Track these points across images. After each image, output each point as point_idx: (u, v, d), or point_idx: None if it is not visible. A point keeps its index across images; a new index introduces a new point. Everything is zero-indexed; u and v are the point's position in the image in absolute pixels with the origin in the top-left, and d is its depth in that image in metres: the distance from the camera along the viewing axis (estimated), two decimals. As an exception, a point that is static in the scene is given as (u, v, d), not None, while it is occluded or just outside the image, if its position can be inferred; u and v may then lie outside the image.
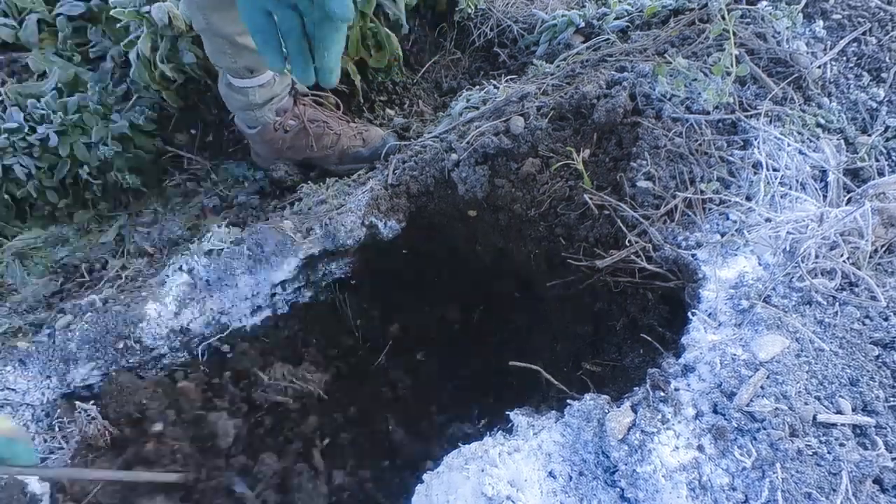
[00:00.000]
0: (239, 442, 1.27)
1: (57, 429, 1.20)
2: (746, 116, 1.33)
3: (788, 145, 1.26)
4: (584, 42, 1.90)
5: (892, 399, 0.93)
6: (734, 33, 1.38)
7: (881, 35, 1.51)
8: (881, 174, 1.27)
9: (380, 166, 1.65)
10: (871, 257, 1.08)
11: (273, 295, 1.43)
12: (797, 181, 1.23)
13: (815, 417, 0.89)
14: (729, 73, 1.33)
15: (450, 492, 0.94)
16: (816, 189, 1.23)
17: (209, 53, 1.57)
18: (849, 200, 1.20)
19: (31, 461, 0.95)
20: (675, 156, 1.30)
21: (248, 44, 1.50)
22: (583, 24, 1.99)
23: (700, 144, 1.31)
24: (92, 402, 1.19)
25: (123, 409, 1.20)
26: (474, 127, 1.55)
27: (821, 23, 1.52)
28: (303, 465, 1.28)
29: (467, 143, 1.48)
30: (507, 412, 1.05)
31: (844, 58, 1.48)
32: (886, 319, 1.01)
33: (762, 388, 0.91)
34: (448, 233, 1.61)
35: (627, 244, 1.25)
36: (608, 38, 1.81)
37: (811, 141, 1.31)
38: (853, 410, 0.90)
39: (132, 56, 1.79)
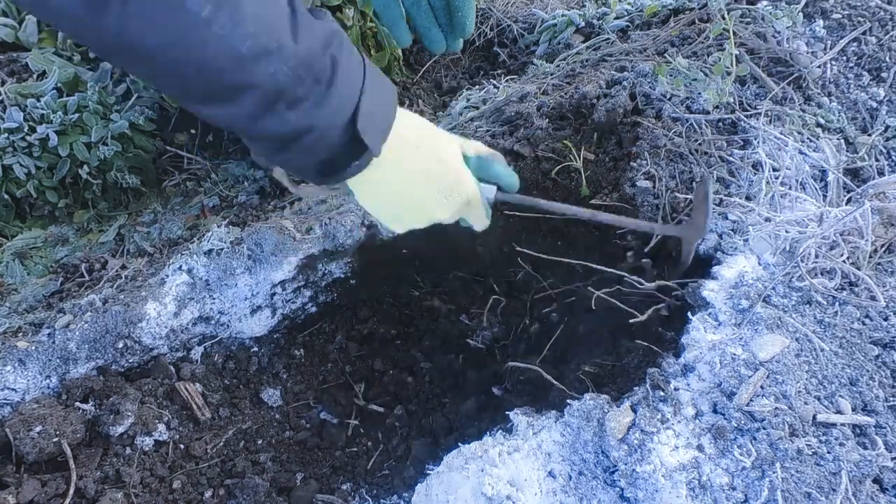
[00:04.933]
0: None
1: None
2: (746, 116, 1.33)
3: (788, 145, 1.26)
4: (584, 42, 1.90)
5: (891, 399, 0.93)
6: (734, 33, 1.38)
7: (881, 35, 1.51)
8: (881, 174, 1.27)
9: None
10: (870, 257, 1.08)
11: (273, 295, 1.43)
12: (797, 181, 1.23)
13: (814, 417, 0.89)
14: (729, 73, 1.33)
15: (450, 491, 0.94)
16: (816, 189, 1.23)
17: None
18: (849, 200, 1.20)
19: (514, 186, 0.97)
20: (675, 156, 1.30)
21: None
22: (583, 24, 1.99)
23: (700, 144, 1.31)
24: None
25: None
26: (475, 126, 1.56)
27: (821, 22, 1.52)
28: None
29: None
30: (507, 412, 1.05)
31: (844, 57, 1.48)
32: (886, 319, 1.01)
33: (762, 387, 0.91)
34: (449, 232, 1.61)
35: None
36: (608, 38, 1.81)
37: (811, 141, 1.31)
38: (853, 410, 0.90)
39: (132, 56, 1.79)
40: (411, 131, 0.83)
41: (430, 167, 0.86)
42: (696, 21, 1.63)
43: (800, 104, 1.37)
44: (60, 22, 0.62)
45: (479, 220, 0.98)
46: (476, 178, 0.93)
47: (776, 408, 0.88)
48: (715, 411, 0.92)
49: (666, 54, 1.53)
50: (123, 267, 1.55)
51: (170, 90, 0.68)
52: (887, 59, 1.48)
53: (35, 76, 1.85)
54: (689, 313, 1.06)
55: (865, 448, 0.87)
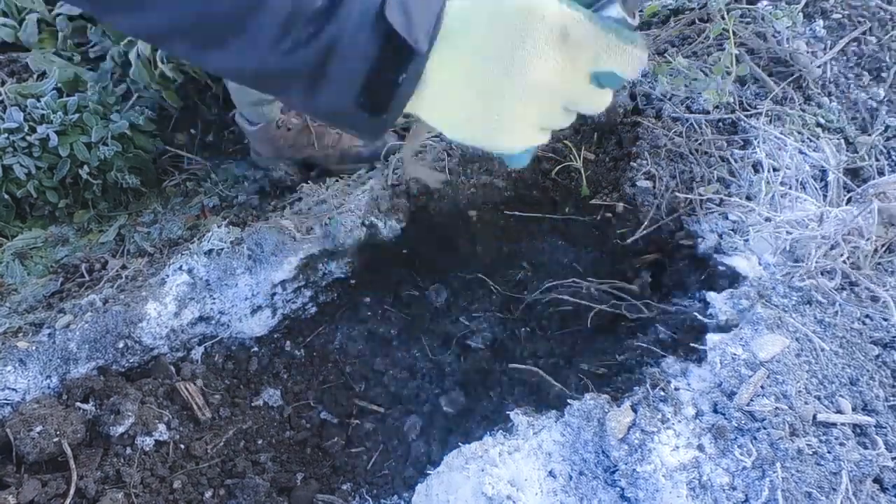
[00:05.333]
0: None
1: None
2: (746, 116, 1.33)
3: (788, 145, 1.27)
4: (584, 42, 1.90)
5: (892, 399, 0.93)
6: (734, 33, 1.38)
7: (881, 34, 1.51)
8: (881, 174, 1.27)
9: (380, 166, 1.64)
10: (870, 257, 1.08)
11: (273, 295, 1.43)
12: (797, 181, 1.23)
13: (815, 417, 0.89)
14: (729, 73, 1.33)
15: (450, 491, 0.94)
16: (816, 189, 1.23)
17: None
18: (849, 200, 1.20)
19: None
20: (675, 155, 1.30)
21: None
22: (583, 24, 1.99)
23: (700, 144, 1.31)
24: None
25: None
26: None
27: (821, 22, 1.52)
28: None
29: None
30: (507, 412, 1.05)
31: (844, 57, 1.48)
32: (886, 319, 1.01)
33: (762, 387, 0.91)
34: (448, 232, 1.61)
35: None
36: (608, 38, 1.81)
37: (811, 140, 1.31)
38: (853, 410, 0.90)
39: (132, 56, 1.79)
40: None
41: (516, 40, 0.56)
42: (696, 21, 1.63)
43: (800, 104, 1.37)
44: None
45: (633, 63, 0.59)
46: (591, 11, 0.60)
47: (776, 407, 0.88)
48: (715, 411, 0.92)
49: (666, 54, 1.53)
50: (123, 267, 1.55)
51: (174, 44, 0.56)
52: (887, 59, 1.48)
53: (35, 76, 1.85)
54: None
55: (866, 448, 0.87)
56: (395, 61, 0.55)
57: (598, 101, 0.62)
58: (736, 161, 1.27)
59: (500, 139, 0.61)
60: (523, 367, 1.13)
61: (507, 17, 0.56)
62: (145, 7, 0.52)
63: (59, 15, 1.89)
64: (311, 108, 0.60)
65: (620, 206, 1.32)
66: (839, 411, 0.90)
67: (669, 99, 1.40)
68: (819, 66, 1.43)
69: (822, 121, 1.35)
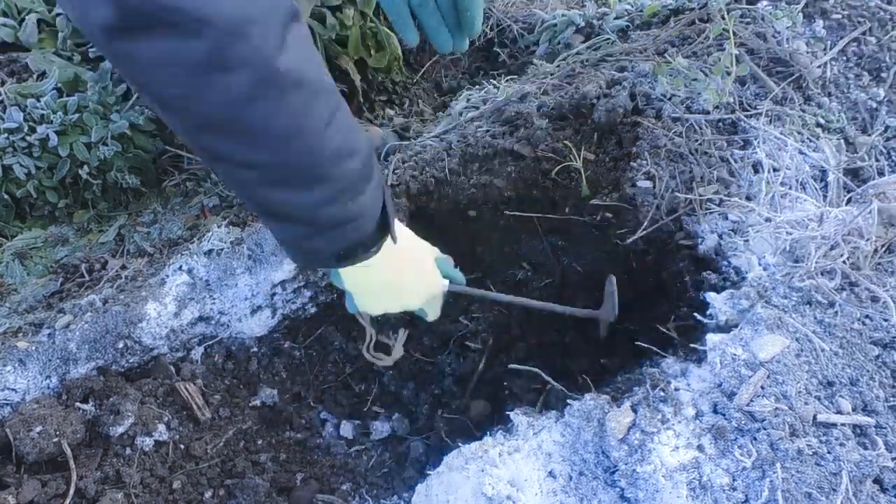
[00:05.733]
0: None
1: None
2: (746, 116, 1.33)
3: (788, 145, 1.27)
4: (584, 42, 1.90)
5: (892, 399, 0.93)
6: (734, 33, 1.38)
7: (881, 35, 1.51)
8: (881, 174, 1.27)
9: (380, 166, 1.64)
10: (870, 257, 1.08)
11: (273, 295, 1.43)
12: (797, 181, 1.23)
13: (815, 417, 0.89)
14: (729, 73, 1.33)
15: (450, 492, 0.94)
16: (816, 189, 1.23)
17: None
18: (849, 200, 1.20)
19: (463, 281, 1.19)
20: (675, 156, 1.30)
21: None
22: (583, 24, 1.99)
23: (700, 144, 1.31)
24: None
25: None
26: (475, 126, 1.56)
27: (821, 22, 1.52)
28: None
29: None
30: (507, 412, 1.05)
31: (844, 57, 1.48)
32: (886, 319, 1.01)
33: (762, 387, 0.91)
34: (448, 232, 1.61)
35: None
36: (608, 38, 1.81)
37: (811, 141, 1.31)
38: (853, 410, 0.90)
39: (132, 56, 1.79)
40: (402, 232, 0.99)
41: (415, 265, 1.04)
42: (696, 21, 1.63)
43: (800, 104, 1.37)
44: (212, 109, 0.67)
45: (435, 313, 1.17)
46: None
47: (776, 408, 0.88)
48: (715, 411, 0.92)
49: (666, 54, 1.53)
50: (123, 267, 1.55)
51: (252, 171, 0.74)
52: (887, 59, 1.48)
53: (35, 76, 1.85)
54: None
55: (866, 448, 0.87)
56: (374, 241, 0.90)
57: (430, 312, 1.16)
58: (736, 161, 1.27)
59: (374, 307, 1.08)
60: (522, 368, 1.13)
61: (414, 254, 1.05)
62: (260, 145, 0.70)
63: (59, 15, 1.88)
64: (301, 245, 0.87)
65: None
66: (839, 411, 0.90)
67: (669, 99, 1.40)
68: (819, 66, 1.43)
69: (822, 121, 1.35)
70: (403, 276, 1.02)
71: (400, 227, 1.00)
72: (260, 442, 1.34)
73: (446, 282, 1.15)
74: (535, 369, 1.17)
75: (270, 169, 0.73)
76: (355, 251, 0.88)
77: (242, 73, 0.63)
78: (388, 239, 0.93)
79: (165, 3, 0.57)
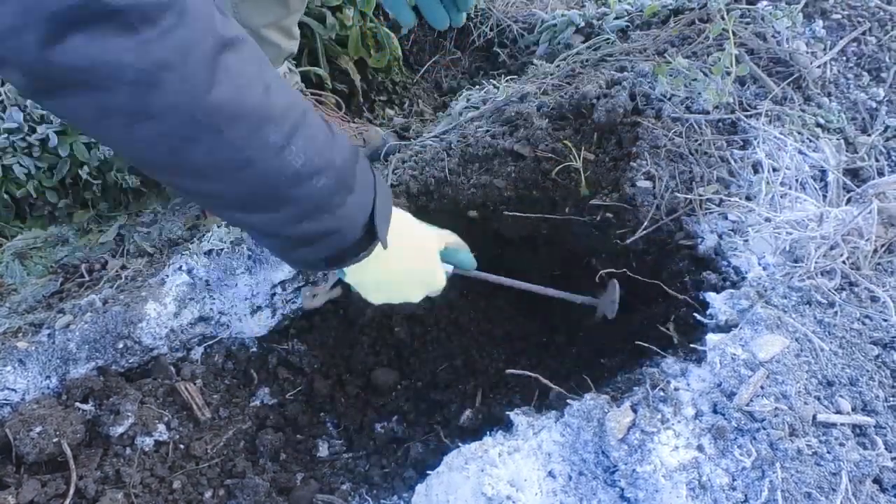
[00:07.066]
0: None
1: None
2: (746, 116, 1.33)
3: (788, 145, 1.27)
4: (584, 42, 1.90)
5: (891, 399, 0.93)
6: (734, 33, 1.38)
7: (881, 35, 1.51)
8: (881, 174, 1.27)
9: (380, 166, 1.64)
10: (870, 257, 1.08)
11: (273, 295, 1.43)
12: (797, 181, 1.23)
13: (814, 417, 0.89)
14: (729, 73, 1.33)
15: (450, 492, 0.94)
16: (816, 189, 1.23)
17: None
18: (849, 200, 1.20)
19: (472, 266, 1.20)
20: (675, 156, 1.30)
21: (271, 37, 1.50)
22: (583, 24, 1.99)
23: (700, 144, 1.31)
24: None
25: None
26: (475, 126, 1.56)
27: (821, 22, 1.52)
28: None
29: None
30: (507, 412, 1.05)
31: (844, 57, 1.48)
32: (886, 319, 1.01)
33: (762, 387, 0.91)
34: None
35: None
36: (608, 38, 1.81)
37: (811, 141, 1.31)
38: (853, 410, 0.90)
39: (132, 56, 1.79)
40: (403, 227, 0.98)
41: (415, 262, 1.03)
42: (696, 21, 1.63)
43: (800, 104, 1.37)
44: (145, 155, 0.67)
45: (437, 294, 1.16)
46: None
47: (776, 408, 0.88)
48: (715, 411, 0.92)
49: (666, 54, 1.53)
50: (123, 267, 1.55)
51: (212, 200, 0.74)
52: (887, 59, 1.48)
53: (35, 76, 1.85)
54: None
55: (865, 448, 0.87)
56: (363, 247, 0.88)
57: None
58: (736, 161, 1.27)
59: (376, 299, 1.06)
60: (522, 373, 1.13)
61: (415, 251, 1.02)
62: (212, 179, 0.69)
63: (58, 15, 1.89)
64: (288, 256, 0.88)
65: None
66: (839, 411, 0.90)
67: (669, 99, 1.40)
68: (819, 66, 1.43)
69: (821, 121, 1.35)
70: (402, 273, 1.02)
71: (402, 218, 0.99)
72: (260, 442, 1.34)
73: (449, 268, 1.14)
74: (534, 374, 1.16)
75: (229, 198, 0.73)
76: (342, 258, 0.87)
77: (168, 119, 0.61)
78: (390, 235, 0.92)
79: (67, 65, 0.55)
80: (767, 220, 1.16)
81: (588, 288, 1.34)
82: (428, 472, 1.01)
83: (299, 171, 0.72)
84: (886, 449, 0.87)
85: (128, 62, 0.56)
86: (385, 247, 0.91)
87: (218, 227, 1.47)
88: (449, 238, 1.16)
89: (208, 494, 1.21)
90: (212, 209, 0.81)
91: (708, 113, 1.35)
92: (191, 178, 0.70)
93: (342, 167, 0.78)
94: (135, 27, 0.56)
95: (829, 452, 0.85)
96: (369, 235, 0.88)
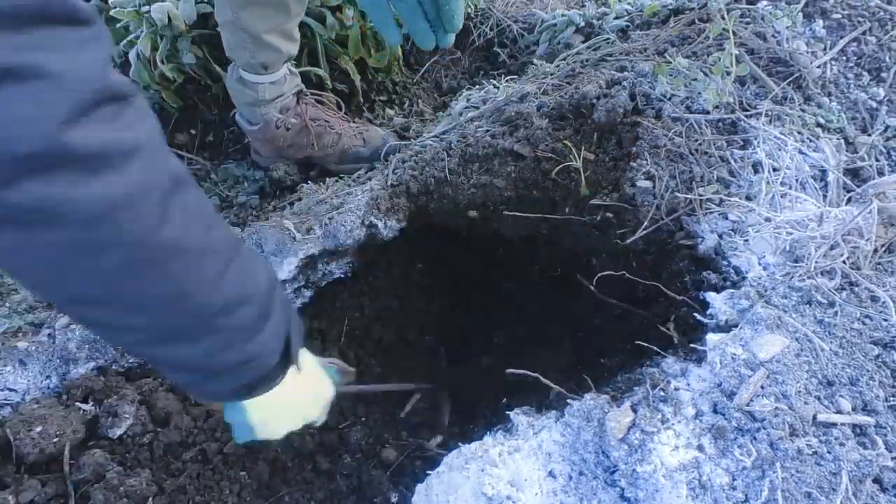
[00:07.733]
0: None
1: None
2: (746, 116, 1.33)
3: (788, 145, 1.27)
4: (584, 42, 1.90)
5: (891, 399, 0.93)
6: (734, 33, 1.38)
7: (881, 34, 1.51)
8: (881, 174, 1.27)
9: (380, 166, 1.64)
10: (870, 257, 1.08)
11: (273, 295, 1.43)
12: (797, 181, 1.23)
13: (814, 417, 0.89)
14: (729, 73, 1.33)
15: (450, 492, 0.94)
16: (816, 189, 1.23)
17: (227, 46, 1.58)
18: (849, 200, 1.20)
19: (340, 382, 1.15)
20: (675, 155, 1.30)
21: (271, 41, 1.51)
22: (583, 24, 1.99)
23: (700, 144, 1.31)
24: None
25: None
26: (475, 126, 1.55)
27: (821, 22, 1.52)
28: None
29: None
30: (507, 412, 1.05)
31: (844, 57, 1.48)
32: (886, 319, 1.01)
33: (762, 387, 0.91)
34: (448, 233, 1.61)
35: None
36: (608, 38, 1.81)
37: (811, 141, 1.31)
38: (853, 410, 0.90)
39: (132, 56, 1.79)
40: (301, 356, 0.93)
41: (315, 387, 1.00)
42: (696, 21, 1.63)
43: (800, 104, 1.37)
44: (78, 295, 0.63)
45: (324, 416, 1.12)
46: None
47: (776, 408, 0.88)
48: (715, 411, 0.92)
49: (666, 54, 1.53)
50: (123, 267, 1.55)
51: (132, 334, 0.69)
52: (887, 59, 1.48)
53: (35, 76, 1.85)
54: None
55: (865, 448, 0.87)
56: (277, 374, 0.83)
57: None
58: (736, 161, 1.27)
59: (276, 433, 0.96)
60: (521, 372, 1.13)
61: (311, 376, 0.97)
62: (141, 312, 0.66)
63: (58, 15, 1.88)
64: (196, 388, 0.81)
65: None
66: (839, 411, 0.90)
67: (669, 99, 1.40)
68: (819, 66, 1.43)
69: (821, 121, 1.35)
70: (307, 391, 0.97)
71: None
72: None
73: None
74: (535, 374, 1.16)
75: (151, 331, 0.69)
76: (257, 386, 0.83)
77: (113, 253, 0.58)
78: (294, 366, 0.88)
79: (14, 204, 0.52)
80: (767, 219, 1.16)
81: (587, 289, 1.34)
82: (428, 471, 1.01)
83: (230, 301, 0.70)
84: (887, 449, 0.86)
85: (82, 203, 0.54)
86: (299, 369, 0.88)
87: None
88: (318, 359, 1.12)
89: (210, 494, 1.21)
90: (124, 345, 0.77)
91: (708, 113, 1.35)
92: (115, 311, 0.66)
93: (266, 292, 0.76)
94: (96, 171, 0.54)
95: (829, 452, 0.85)
96: (284, 360, 0.84)
